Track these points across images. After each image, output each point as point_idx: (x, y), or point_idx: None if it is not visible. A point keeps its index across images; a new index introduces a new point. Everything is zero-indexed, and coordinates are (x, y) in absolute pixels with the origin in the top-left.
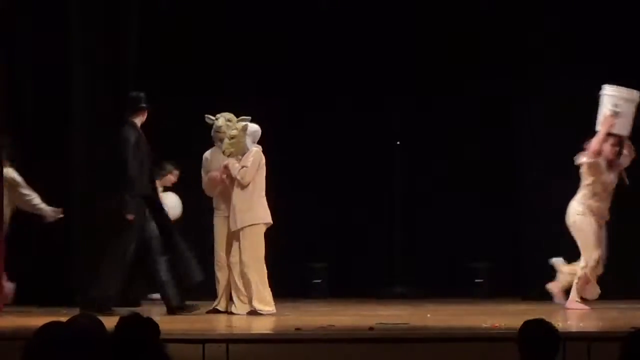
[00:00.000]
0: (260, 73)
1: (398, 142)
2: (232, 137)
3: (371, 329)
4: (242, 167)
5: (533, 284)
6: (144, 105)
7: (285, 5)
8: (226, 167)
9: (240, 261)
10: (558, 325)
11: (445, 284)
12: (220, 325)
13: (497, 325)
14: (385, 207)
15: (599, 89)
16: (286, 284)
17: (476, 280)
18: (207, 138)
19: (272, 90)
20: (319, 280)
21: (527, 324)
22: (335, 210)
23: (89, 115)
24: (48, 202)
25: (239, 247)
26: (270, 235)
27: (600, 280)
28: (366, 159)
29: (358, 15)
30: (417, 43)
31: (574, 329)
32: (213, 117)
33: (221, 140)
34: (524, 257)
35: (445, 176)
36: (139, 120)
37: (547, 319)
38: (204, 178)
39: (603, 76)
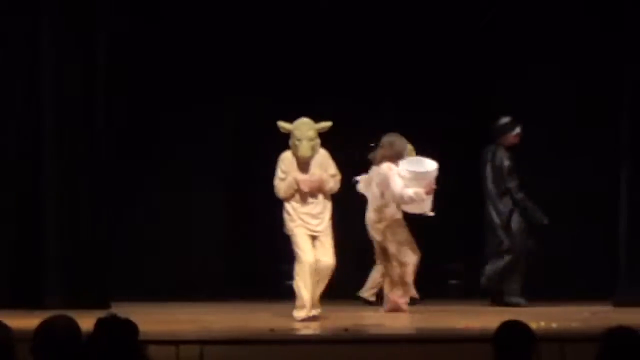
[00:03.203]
0: (251, 73)
1: (372, 144)
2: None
3: (346, 330)
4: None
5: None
6: (515, 130)
7: (276, 5)
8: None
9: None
10: (532, 326)
11: (419, 285)
12: (194, 326)
13: (471, 326)
14: (359, 212)
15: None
16: (261, 285)
17: (450, 282)
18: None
19: (265, 91)
20: (292, 282)
21: (503, 325)
22: None
23: (60, 115)
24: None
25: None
26: (248, 236)
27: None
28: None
29: (355, 15)
30: (407, 45)
31: (547, 330)
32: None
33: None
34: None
35: None
36: (508, 144)
37: (522, 320)
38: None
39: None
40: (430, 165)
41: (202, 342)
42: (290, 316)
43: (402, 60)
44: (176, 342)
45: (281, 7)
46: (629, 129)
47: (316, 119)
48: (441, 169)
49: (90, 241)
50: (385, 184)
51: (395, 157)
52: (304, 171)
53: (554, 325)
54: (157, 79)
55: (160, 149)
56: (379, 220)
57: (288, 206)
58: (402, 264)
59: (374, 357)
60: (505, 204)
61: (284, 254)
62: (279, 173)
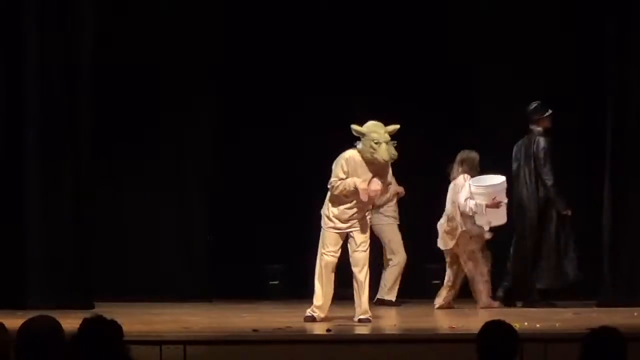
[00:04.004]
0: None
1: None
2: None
3: (329, 330)
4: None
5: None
6: (547, 112)
7: (259, 5)
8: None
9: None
10: (516, 326)
11: (402, 285)
12: (177, 326)
13: (454, 326)
14: None
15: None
16: (245, 285)
17: (433, 282)
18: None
19: (246, 91)
20: (276, 282)
21: (486, 325)
22: (293, 212)
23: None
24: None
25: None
26: (232, 236)
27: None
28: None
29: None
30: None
31: (531, 330)
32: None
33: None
34: None
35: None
36: (542, 127)
37: (506, 320)
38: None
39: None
40: (495, 180)
41: (186, 342)
42: (274, 316)
43: (389, 57)
44: (159, 342)
45: (264, 6)
46: (612, 131)
47: (308, 118)
48: (428, 169)
49: (73, 242)
50: (456, 194)
51: (470, 172)
52: (379, 175)
53: (537, 325)
54: (139, 79)
55: (143, 149)
56: (450, 229)
57: (331, 206)
58: (476, 271)
59: (356, 357)
60: (542, 191)
61: (269, 253)
62: (340, 173)
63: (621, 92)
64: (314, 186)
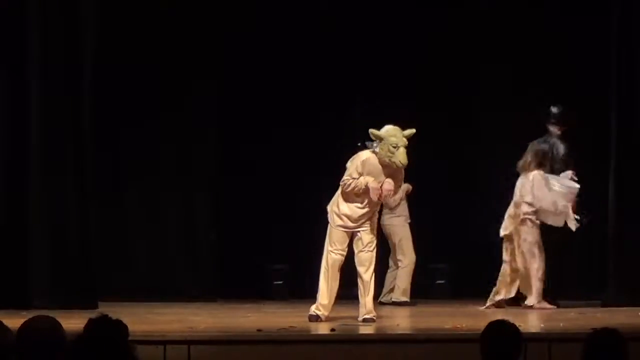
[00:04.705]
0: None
1: (359, 144)
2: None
3: (332, 330)
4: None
5: (494, 285)
6: (569, 119)
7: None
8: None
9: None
10: (520, 326)
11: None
12: (181, 326)
13: (458, 326)
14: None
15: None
16: (249, 285)
17: (437, 282)
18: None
19: (248, 92)
20: (280, 282)
21: (490, 325)
22: (297, 212)
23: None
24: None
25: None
26: (236, 236)
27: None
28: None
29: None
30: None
31: (535, 330)
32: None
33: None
34: (485, 258)
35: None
36: (561, 130)
37: (510, 320)
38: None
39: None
40: (573, 183)
41: (190, 342)
42: (278, 317)
43: (385, 56)
44: (163, 342)
45: (264, 6)
46: (617, 131)
47: (311, 118)
48: (429, 168)
49: (77, 241)
50: (528, 188)
51: (542, 164)
52: (393, 178)
53: (541, 325)
54: (142, 79)
55: (145, 149)
56: (514, 213)
57: (342, 204)
58: (531, 265)
59: (360, 357)
60: None
61: (273, 254)
62: (354, 173)
63: (625, 92)
64: (318, 186)
